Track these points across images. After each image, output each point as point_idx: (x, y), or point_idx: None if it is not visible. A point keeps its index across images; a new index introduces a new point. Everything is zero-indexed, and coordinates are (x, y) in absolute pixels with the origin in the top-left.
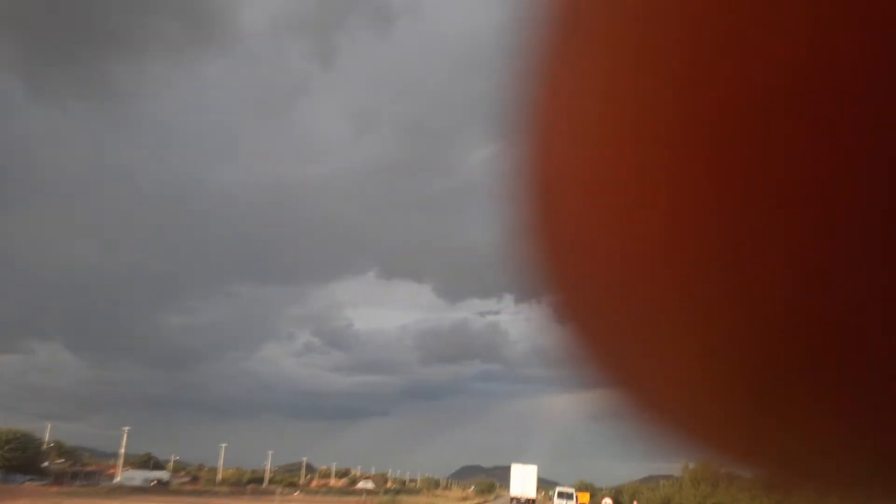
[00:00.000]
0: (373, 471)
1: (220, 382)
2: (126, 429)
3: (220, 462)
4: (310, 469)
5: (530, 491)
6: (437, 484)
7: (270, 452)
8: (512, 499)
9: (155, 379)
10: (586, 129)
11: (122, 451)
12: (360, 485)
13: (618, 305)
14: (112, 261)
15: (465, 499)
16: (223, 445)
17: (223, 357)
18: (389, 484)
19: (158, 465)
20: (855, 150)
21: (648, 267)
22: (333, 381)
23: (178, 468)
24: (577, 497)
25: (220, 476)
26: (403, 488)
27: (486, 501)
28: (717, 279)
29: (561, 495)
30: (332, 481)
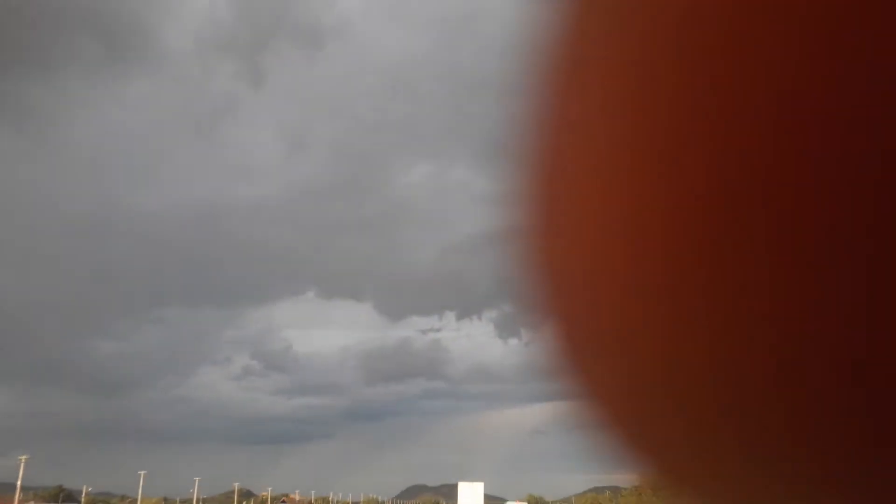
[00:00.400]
0: (312, 494)
1: (153, 409)
2: (23, 458)
3: (140, 491)
4: (250, 495)
5: None
6: None
7: (197, 479)
8: None
9: (83, 408)
10: (587, 158)
11: (19, 483)
12: None
13: (598, 320)
14: (32, 287)
15: None
16: (142, 473)
17: (156, 383)
18: None
19: (71, 498)
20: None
21: (634, 283)
22: (275, 405)
23: (97, 500)
24: None
25: None
26: None
27: None
28: (690, 298)
29: None
30: None
